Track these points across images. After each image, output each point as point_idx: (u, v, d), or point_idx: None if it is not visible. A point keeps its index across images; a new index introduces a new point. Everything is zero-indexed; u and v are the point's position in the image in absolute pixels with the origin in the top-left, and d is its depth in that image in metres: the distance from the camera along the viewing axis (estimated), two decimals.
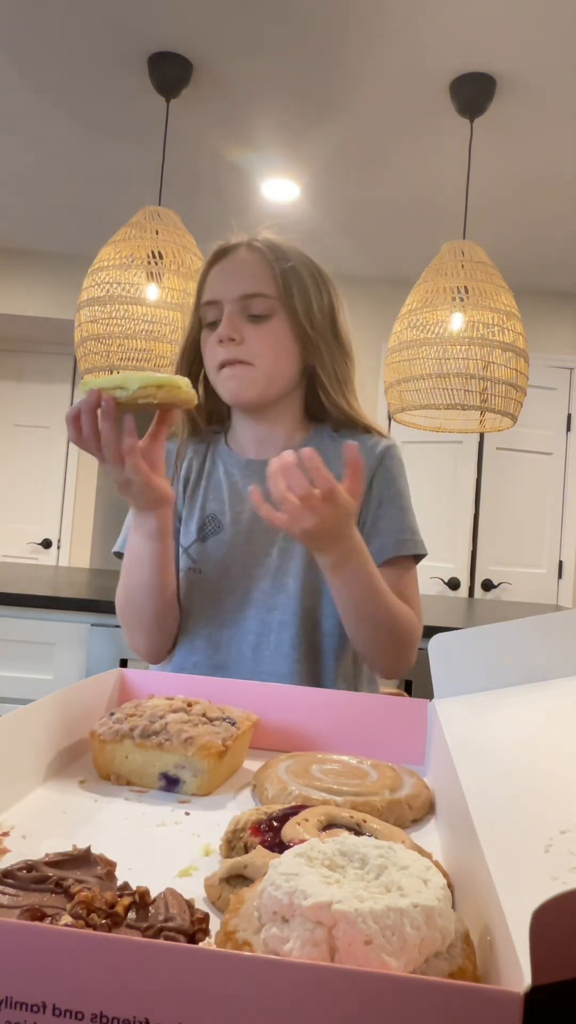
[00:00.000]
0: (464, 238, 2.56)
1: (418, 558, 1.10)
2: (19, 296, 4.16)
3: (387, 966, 0.33)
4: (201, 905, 0.46)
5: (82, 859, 0.45)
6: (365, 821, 0.53)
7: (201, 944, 0.39)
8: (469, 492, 4.08)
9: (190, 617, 1.09)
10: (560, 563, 4.17)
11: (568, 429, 4.21)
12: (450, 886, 0.46)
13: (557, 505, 4.18)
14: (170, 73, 2.46)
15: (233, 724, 0.72)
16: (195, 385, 1.06)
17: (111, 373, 2.51)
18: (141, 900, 0.40)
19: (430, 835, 0.62)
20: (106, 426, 0.85)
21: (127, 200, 3.02)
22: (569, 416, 4.21)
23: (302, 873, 0.37)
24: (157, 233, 2.37)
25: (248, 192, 3.26)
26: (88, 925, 0.37)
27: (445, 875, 0.48)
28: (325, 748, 0.78)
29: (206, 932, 0.39)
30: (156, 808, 0.64)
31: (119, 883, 0.43)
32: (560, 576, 4.16)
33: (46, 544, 4.62)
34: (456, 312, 2.37)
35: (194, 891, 0.48)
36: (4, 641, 2.08)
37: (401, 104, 2.60)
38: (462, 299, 2.37)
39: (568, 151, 2.82)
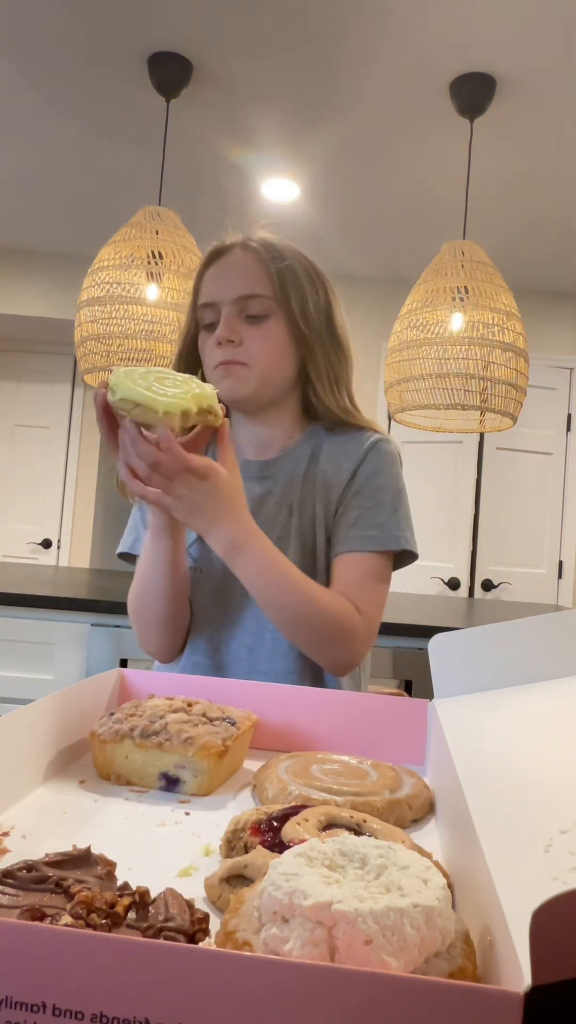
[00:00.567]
0: (464, 238, 2.56)
1: (399, 558, 1.08)
2: (19, 296, 4.16)
3: (387, 966, 0.33)
4: (201, 905, 0.46)
5: (82, 859, 0.45)
6: (365, 821, 0.53)
7: (201, 944, 0.39)
8: (469, 492, 4.08)
9: (193, 616, 1.09)
10: (560, 563, 4.17)
11: (568, 429, 4.21)
12: (450, 886, 0.46)
13: (557, 505, 4.18)
14: (170, 73, 2.46)
15: (233, 724, 0.72)
16: None
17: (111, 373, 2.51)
18: (141, 900, 0.40)
19: (430, 835, 0.62)
20: (125, 438, 0.84)
21: (127, 200, 3.02)
22: (569, 416, 4.21)
23: (302, 873, 0.37)
24: (157, 233, 2.37)
25: (248, 192, 3.26)
26: (88, 925, 0.37)
27: (445, 875, 0.48)
28: (325, 748, 0.78)
29: (206, 932, 0.39)
30: (156, 808, 0.64)
31: (119, 883, 0.43)
32: (560, 576, 4.16)
33: (46, 544, 4.62)
34: (456, 312, 2.37)
35: (194, 891, 0.48)
36: (4, 641, 2.08)
37: (401, 104, 2.60)
38: (462, 299, 2.37)
39: (568, 151, 2.82)
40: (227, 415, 0.91)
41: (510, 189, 3.12)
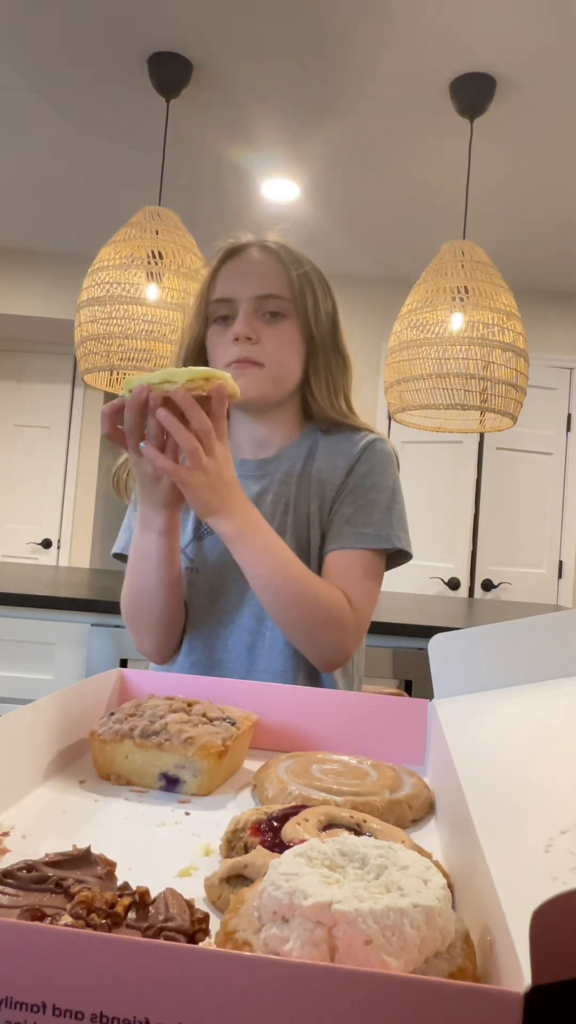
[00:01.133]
0: (464, 238, 2.56)
1: (394, 558, 1.08)
2: (19, 296, 4.16)
3: (387, 966, 0.33)
4: (201, 905, 0.46)
5: (82, 859, 0.45)
6: (365, 821, 0.53)
7: (201, 944, 0.39)
8: (469, 492, 4.08)
9: (189, 616, 1.09)
10: (560, 563, 4.17)
11: (568, 429, 4.21)
12: (450, 886, 0.46)
13: (557, 505, 4.18)
14: (170, 73, 2.46)
15: (233, 724, 0.72)
16: None
17: (112, 374, 2.51)
18: (141, 900, 0.40)
19: (430, 835, 0.62)
20: (152, 422, 0.85)
21: (127, 200, 3.02)
22: (569, 416, 4.21)
23: (302, 873, 0.37)
24: (157, 233, 2.37)
25: (248, 192, 3.26)
26: (88, 925, 0.37)
27: (445, 875, 0.48)
28: (325, 748, 0.78)
29: (206, 932, 0.39)
30: (156, 808, 0.64)
31: (119, 883, 0.43)
32: (560, 576, 4.16)
33: (46, 544, 4.62)
34: (456, 312, 2.37)
35: (194, 891, 0.48)
36: (4, 641, 2.08)
37: (401, 104, 2.60)
38: (462, 299, 2.37)
39: (568, 151, 2.82)
40: (228, 414, 0.91)
41: (510, 189, 3.12)
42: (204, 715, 0.72)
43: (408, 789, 0.65)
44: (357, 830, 0.52)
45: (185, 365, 1.11)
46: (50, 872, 0.42)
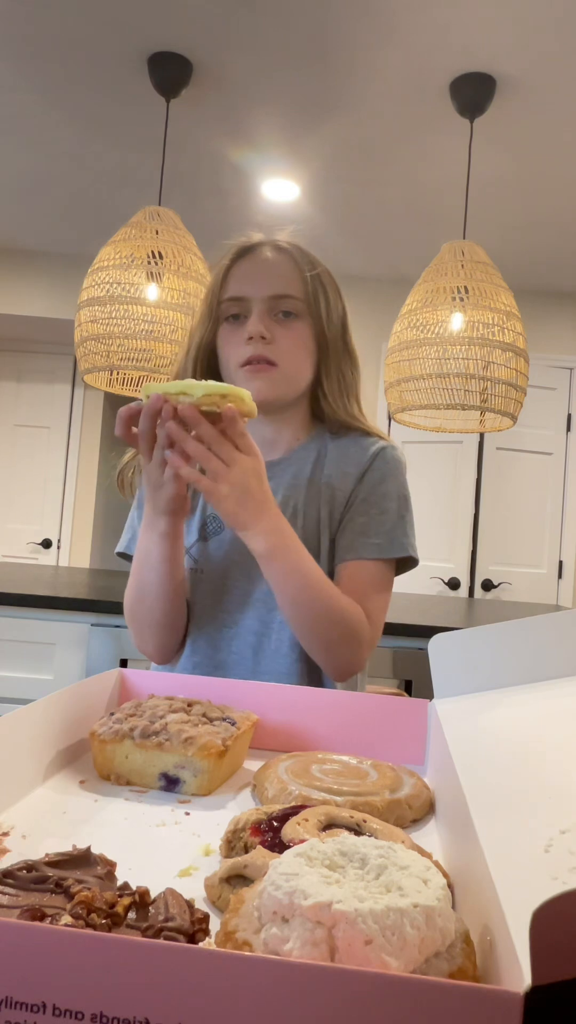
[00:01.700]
0: (464, 238, 2.56)
1: (402, 564, 1.08)
2: (19, 296, 4.16)
3: (387, 966, 0.33)
4: (201, 905, 0.46)
5: (82, 859, 0.45)
6: (365, 821, 0.53)
7: (201, 944, 0.39)
8: (469, 492, 4.08)
9: (192, 617, 1.09)
10: (560, 563, 4.17)
11: (568, 429, 4.21)
12: (450, 886, 0.46)
13: (557, 505, 4.18)
14: (170, 73, 2.46)
15: (233, 724, 0.72)
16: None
17: (112, 374, 2.51)
18: (141, 900, 0.40)
19: (430, 835, 0.62)
20: (161, 432, 0.85)
21: (127, 200, 3.02)
22: (569, 416, 4.21)
23: (302, 873, 0.37)
24: (157, 233, 2.37)
25: (248, 192, 3.26)
26: (88, 925, 0.37)
27: (445, 875, 0.48)
28: (325, 748, 0.78)
29: (206, 932, 0.39)
30: (156, 808, 0.64)
31: (119, 883, 0.43)
32: (560, 576, 4.16)
33: (46, 544, 4.62)
34: (456, 312, 2.37)
35: (194, 891, 0.48)
36: (4, 641, 2.08)
37: (401, 104, 2.60)
38: (462, 299, 2.37)
39: (568, 151, 2.82)
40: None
41: (510, 189, 3.12)
42: (204, 715, 0.72)
43: (408, 789, 0.65)
44: (357, 830, 0.52)
45: (195, 365, 1.10)
46: (50, 872, 0.42)
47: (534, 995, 0.28)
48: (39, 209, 3.64)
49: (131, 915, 0.39)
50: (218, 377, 1.10)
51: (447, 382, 2.36)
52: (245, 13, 2.22)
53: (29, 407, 4.70)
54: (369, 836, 0.49)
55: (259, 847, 0.49)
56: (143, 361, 2.34)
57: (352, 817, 0.53)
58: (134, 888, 0.41)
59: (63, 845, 0.48)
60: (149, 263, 2.33)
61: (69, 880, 0.41)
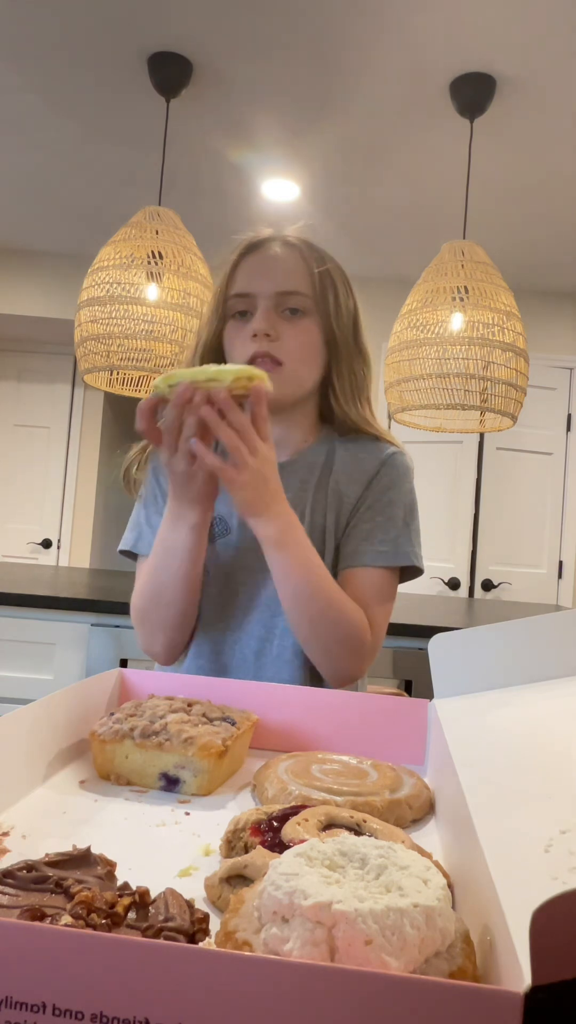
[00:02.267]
0: (464, 238, 2.56)
1: (406, 572, 1.08)
2: (19, 296, 4.16)
3: (387, 966, 0.33)
4: (201, 905, 0.46)
5: (82, 859, 0.45)
6: (365, 821, 0.53)
7: (201, 944, 0.39)
8: (469, 492, 4.08)
9: (197, 619, 1.08)
10: (560, 563, 4.17)
11: (568, 429, 4.21)
12: (450, 886, 0.46)
13: (557, 505, 4.18)
14: (170, 73, 2.46)
15: (233, 724, 0.72)
16: None
17: (112, 374, 2.51)
18: (141, 900, 0.40)
19: (430, 835, 0.62)
20: (192, 420, 0.85)
21: (127, 200, 3.02)
22: (569, 416, 4.21)
23: (302, 873, 0.37)
24: (157, 233, 2.37)
25: (248, 192, 3.26)
26: (88, 925, 0.37)
27: (445, 875, 0.48)
28: (325, 748, 0.78)
29: (206, 932, 0.39)
30: (156, 808, 0.64)
31: (119, 883, 0.43)
32: (560, 576, 4.16)
33: (46, 544, 4.62)
34: (456, 312, 2.37)
35: (194, 891, 0.48)
36: (4, 641, 2.08)
37: (401, 104, 2.60)
38: (462, 299, 2.37)
39: (568, 151, 2.82)
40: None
41: (510, 189, 3.12)
42: (204, 715, 0.72)
43: (408, 789, 0.65)
44: (357, 830, 0.52)
45: (202, 363, 1.08)
46: (50, 872, 0.42)
47: (534, 995, 0.28)
48: (39, 209, 3.64)
49: (131, 915, 0.39)
50: None
51: (447, 382, 2.36)
52: (245, 13, 2.22)
53: (29, 407, 4.69)
54: (369, 836, 0.49)
55: (259, 847, 0.49)
56: (143, 361, 2.34)
57: (352, 817, 0.53)
58: (134, 888, 0.41)
59: (63, 845, 0.48)
60: (149, 263, 2.33)
61: (69, 880, 0.41)
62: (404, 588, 1.15)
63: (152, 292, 2.34)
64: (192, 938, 0.38)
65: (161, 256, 2.34)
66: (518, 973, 0.30)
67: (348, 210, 3.41)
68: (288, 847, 0.47)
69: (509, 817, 0.47)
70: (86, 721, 0.76)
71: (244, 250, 1.06)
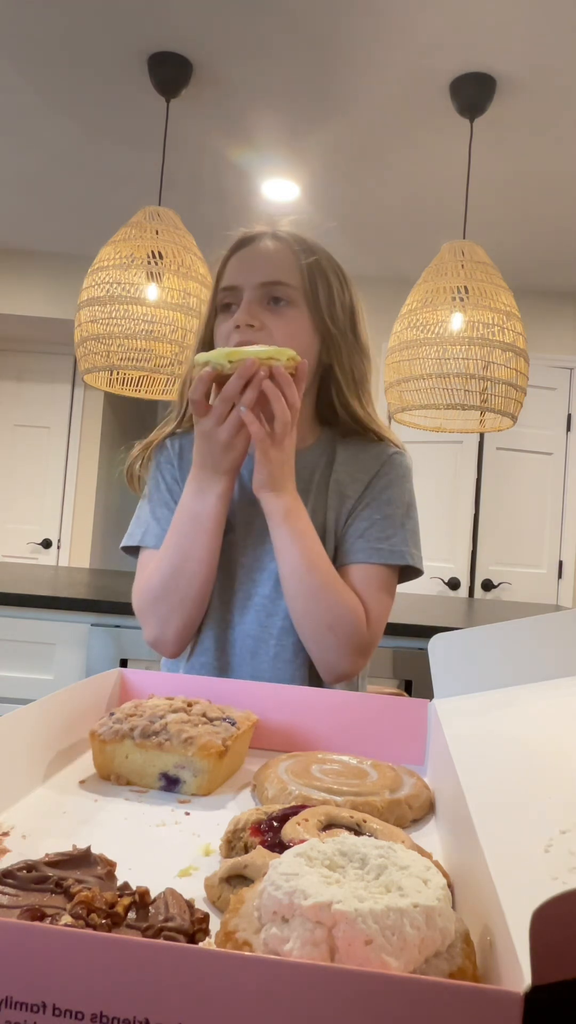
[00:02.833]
0: (464, 238, 2.56)
1: (406, 572, 1.08)
2: (19, 296, 4.16)
3: (387, 966, 0.33)
4: (201, 905, 0.46)
5: (82, 859, 0.45)
6: (365, 821, 0.53)
7: (201, 944, 0.39)
8: (469, 492, 4.08)
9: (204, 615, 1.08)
10: (560, 563, 4.16)
11: (568, 429, 4.21)
12: (450, 886, 0.46)
13: (557, 505, 4.17)
14: (170, 73, 2.46)
15: (233, 724, 0.72)
16: None
17: (112, 374, 2.51)
18: (141, 900, 0.40)
19: (430, 835, 0.62)
20: (251, 394, 0.92)
21: (127, 200, 3.02)
22: (569, 416, 4.21)
23: (302, 873, 0.37)
24: (157, 233, 2.37)
25: (248, 192, 3.26)
26: (88, 925, 0.37)
27: (445, 875, 0.48)
28: (325, 748, 0.78)
29: (206, 932, 0.39)
30: (156, 808, 0.64)
31: (119, 883, 0.43)
32: (560, 576, 4.16)
33: (46, 544, 4.62)
34: (456, 312, 2.37)
35: (194, 891, 0.48)
36: (4, 641, 2.08)
37: (401, 104, 2.60)
38: (462, 299, 2.37)
39: (568, 151, 2.82)
40: None
41: (510, 189, 3.12)
42: (204, 715, 0.72)
43: (408, 789, 0.65)
44: (357, 830, 0.52)
45: None
46: (50, 872, 0.42)
47: (534, 995, 0.28)
48: (39, 209, 3.64)
49: (131, 915, 0.39)
50: None
51: (447, 382, 2.36)
52: (245, 13, 2.22)
53: (29, 407, 4.69)
54: (369, 836, 0.49)
55: (259, 847, 0.49)
56: (143, 361, 2.34)
57: (352, 817, 0.53)
58: (134, 888, 0.41)
59: (63, 845, 0.48)
60: (149, 263, 2.33)
61: (69, 880, 0.41)
62: (404, 588, 1.15)
63: (152, 292, 2.34)
64: (192, 938, 0.38)
65: (161, 256, 2.34)
66: (518, 973, 0.30)
67: (348, 210, 3.41)
68: (288, 847, 0.47)
69: (509, 817, 0.47)
70: (86, 721, 0.76)
71: (235, 246, 1.07)
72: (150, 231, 2.37)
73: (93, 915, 0.37)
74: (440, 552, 4.00)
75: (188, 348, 1.14)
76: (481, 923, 0.39)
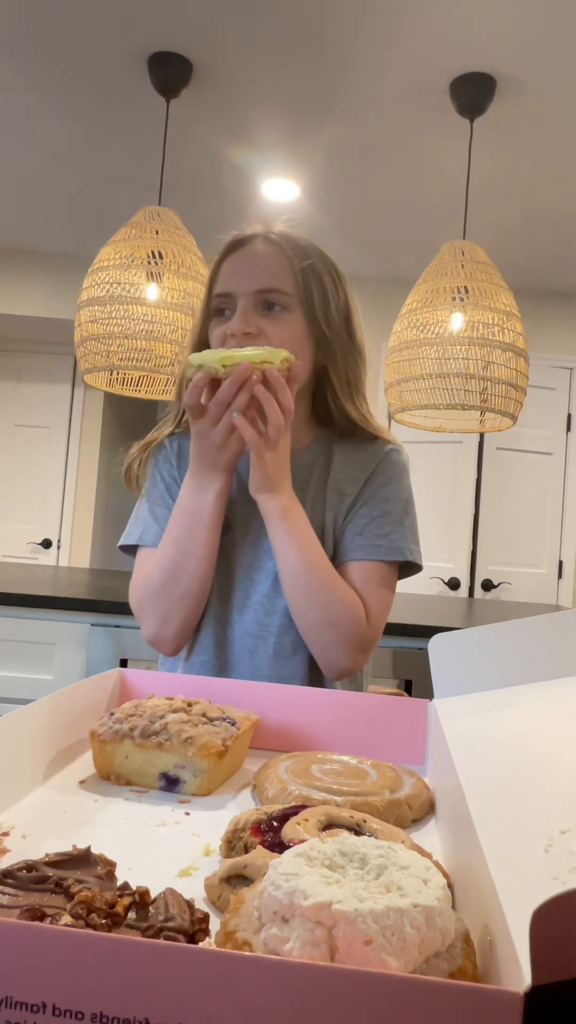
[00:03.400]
0: (464, 238, 2.56)
1: (405, 568, 1.08)
2: (19, 296, 4.16)
3: (387, 966, 0.33)
4: (201, 905, 0.46)
5: (82, 859, 0.45)
6: (365, 821, 0.53)
7: (201, 944, 0.39)
8: (469, 492, 4.07)
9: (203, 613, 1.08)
10: (560, 563, 4.16)
11: (568, 429, 4.21)
12: (450, 886, 0.46)
13: (557, 505, 4.17)
14: (170, 73, 2.46)
15: (233, 724, 0.72)
16: None
17: (112, 374, 2.51)
18: (141, 900, 0.40)
19: (430, 835, 0.62)
20: (243, 397, 0.93)
21: (127, 200, 3.02)
22: (569, 416, 4.21)
23: (302, 873, 0.37)
24: (157, 233, 2.37)
25: (248, 192, 3.26)
26: (88, 925, 0.37)
27: (445, 875, 0.48)
28: (325, 748, 0.78)
29: (206, 932, 0.39)
30: (156, 808, 0.64)
31: (119, 883, 0.43)
32: (560, 576, 4.16)
33: (46, 544, 4.62)
34: (456, 312, 2.37)
35: (194, 891, 0.48)
36: (4, 641, 2.08)
37: (401, 104, 2.60)
38: (462, 299, 2.37)
39: (568, 151, 2.82)
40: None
41: (510, 189, 3.12)
42: (204, 715, 0.72)
43: (408, 789, 0.65)
44: (357, 830, 0.52)
45: None
46: (50, 872, 0.42)
47: (534, 995, 0.28)
48: (39, 209, 3.64)
49: (131, 915, 0.39)
50: None
51: (447, 382, 2.36)
52: (245, 13, 2.22)
53: (29, 407, 4.69)
54: (369, 836, 0.49)
55: (259, 847, 0.49)
56: (143, 361, 2.34)
57: (352, 817, 0.53)
58: (134, 888, 0.41)
59: (63, 845, 0.48)
60: (149, 263, 2.33)
61: (69, 880, 0.41)
62: (404, 588, 1.15)
63: (152, 292, 2.34)
64: (192, 938, 0.38)
65: (161, 256, 2.34)
66: (518, 973, 0.30)
67: (348, 210, 3.41)
68: (288, 847, 0.47)
69: (509, 817, 0.47)
70: (86, 721, 0.76)
71: (228, 248, 1.06)
72: (150, 231, 2.37)
73: (93, 915, 0.37)
74: (440, 552, 4.00)
75: (188, 348, 1.13)
76: (481, 923, 0.39)
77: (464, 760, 0.59)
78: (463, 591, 4.02)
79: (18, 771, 0.63)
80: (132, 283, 2.32)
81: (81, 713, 0.76)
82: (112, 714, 0.72)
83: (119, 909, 0.38)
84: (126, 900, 0.39)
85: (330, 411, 1.10)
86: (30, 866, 0.42)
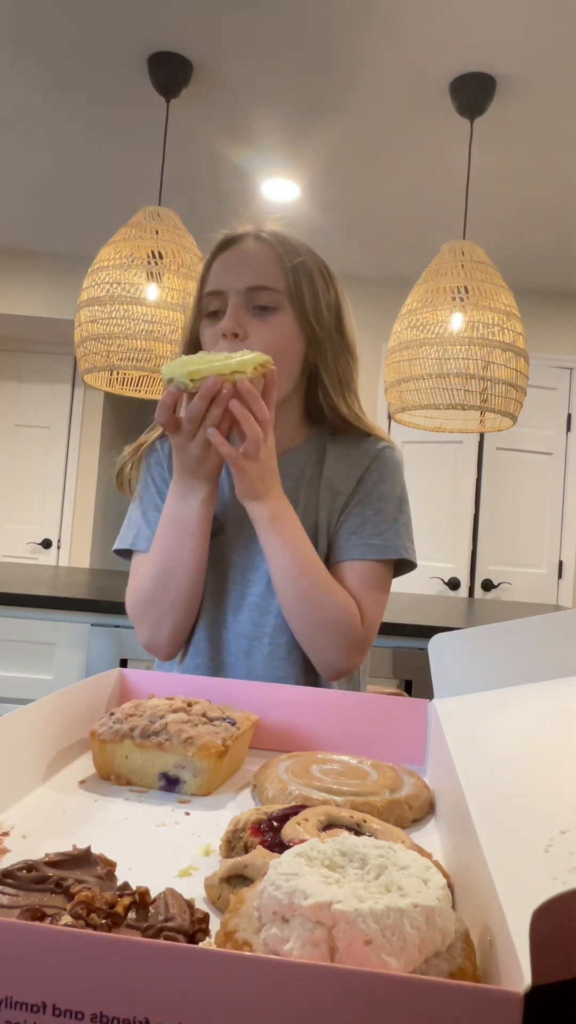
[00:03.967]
0: (464, 238, 2.56)
1: (400, 567, 1.08)
2: (19, 296, 4.16)
3: (387, 966, 0.33)
4: (201, 905, 0.46)
5: (82, 859, 0.45)
6: (365, 821, 0.53)
7: (201, 944, 0.39)
8: (469, 492, 4.08)
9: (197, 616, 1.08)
10: (560, 563, 4.17)
11: (568, 429, 4.21)
12: (450, 886, 0.46)
13: (557, 505, 4.18)
14: (170, 73, 2.46)
15: (233, 724, 0.72)
16: None
17: (112, 374, 2.51)
18: (141, 900, 0.40)
19: (430, 835, 0.62)
20: (216, 411, 0.90)
21: (127, 200, 3.02)
22: (569, 416, 4.21)
23: (302, 873, 0.37)
24: (157, 233, 2.37)
25: (248, 192, 3.26)
26: (88, 925, 0.37)
27: (445, 875, 0.48)
28: (325, 748, 0.78)
29: (206, 932, 0.39)
30: (156, 808, 0.64)
31: (119, 883, 0.42)
32: (560, 576, 4.16)
33: (46, 544, 4.62)
34: (456, 312, 2.37)
35: (194, 891, 0.48)
36: (4, 641, 2.08)
37: (401, 104, 2.60)
38: (462, 299, 2.37)
39: (568, 151, 2.82)
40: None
41: (510, 189, 3.12)
42: (204, 715, 0.72)
43: (408, 789, 0.65)
44: (357, 830, 0.52)
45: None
46: (50, 872, 0.42)
47: (534, 995, 0.28)
48: (39, 209, 3.64)
49: (131, 915, 0.39)
50: None
51: (447, 382, 2.36)
52: (245, 13, 2.22)
53: (29, 407, 4.69)
54: (369, 836, 0.49)
55: (259, 847, 0.49)
56: (143, 361, 2.34)
57: (352, 817, 0.53)
58: (134, 888, 0.41)
59: (63, 845, 0.48)
60: (149, 263, 2.33)
61: (69, 880, 0.41)
62: (404, 588, 1.15)
63: (152, 292, 2.34)
64: (192, 938, 0.38)
65: (161, 256, 2.34)
66: (518, 973, 0.30)
67: (348, 210, 3.41)
68: (288, 847, 0.47)
69: (509, 817, 0.47)
70: (86, 721, 0.76)
71: (218, 248, 1.06)
72: (150, 231, 2.38)
73: (93, 915, 0.37)
74: (440, 552, 4.00)
75: (181, 346, 1.13)
76: (481, 923, 0.39)
77: (464, 760, 0.59)
78: (463, 591, 4.02)
79: (18, 771, 0.63)
80: (132, 283, 2.32)
81: (81, 713, 0.76)
82: (112, 714, 0.72)
83: (119, 909, 0.38)
84: (126, 900, 0.39)
85: (322, 409, 1.10)
86: (30, 866, 0.42)
